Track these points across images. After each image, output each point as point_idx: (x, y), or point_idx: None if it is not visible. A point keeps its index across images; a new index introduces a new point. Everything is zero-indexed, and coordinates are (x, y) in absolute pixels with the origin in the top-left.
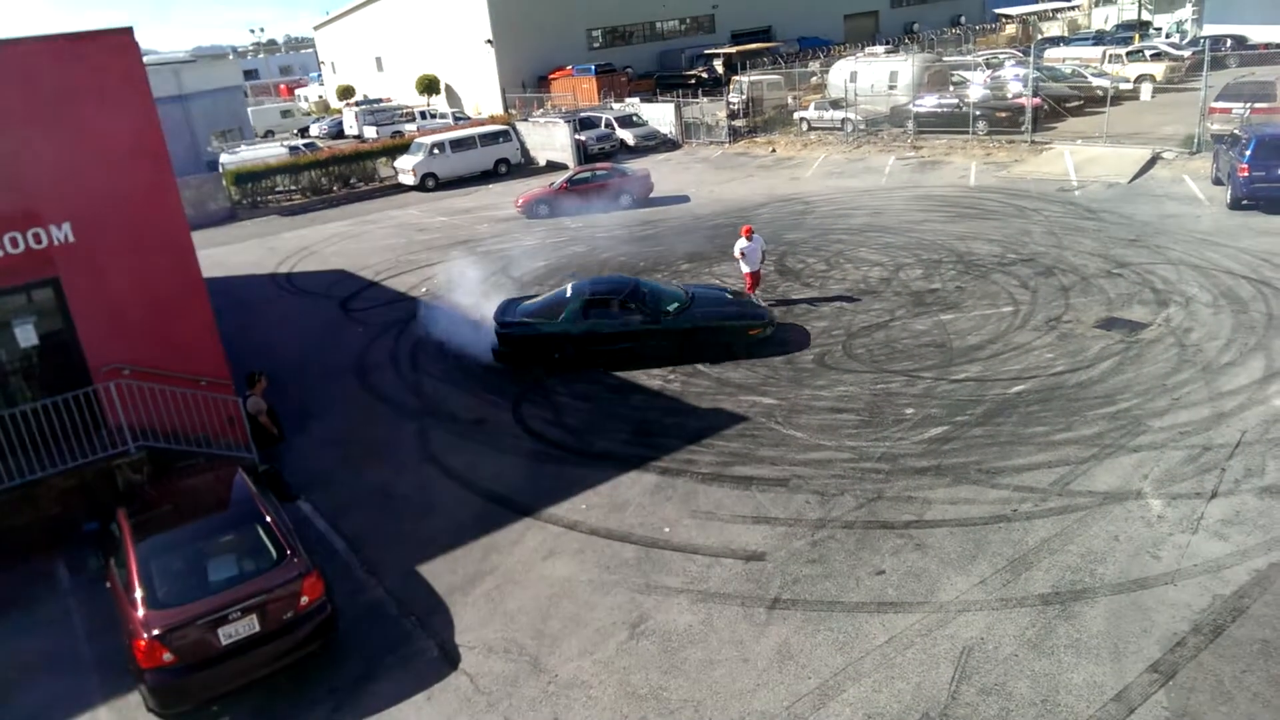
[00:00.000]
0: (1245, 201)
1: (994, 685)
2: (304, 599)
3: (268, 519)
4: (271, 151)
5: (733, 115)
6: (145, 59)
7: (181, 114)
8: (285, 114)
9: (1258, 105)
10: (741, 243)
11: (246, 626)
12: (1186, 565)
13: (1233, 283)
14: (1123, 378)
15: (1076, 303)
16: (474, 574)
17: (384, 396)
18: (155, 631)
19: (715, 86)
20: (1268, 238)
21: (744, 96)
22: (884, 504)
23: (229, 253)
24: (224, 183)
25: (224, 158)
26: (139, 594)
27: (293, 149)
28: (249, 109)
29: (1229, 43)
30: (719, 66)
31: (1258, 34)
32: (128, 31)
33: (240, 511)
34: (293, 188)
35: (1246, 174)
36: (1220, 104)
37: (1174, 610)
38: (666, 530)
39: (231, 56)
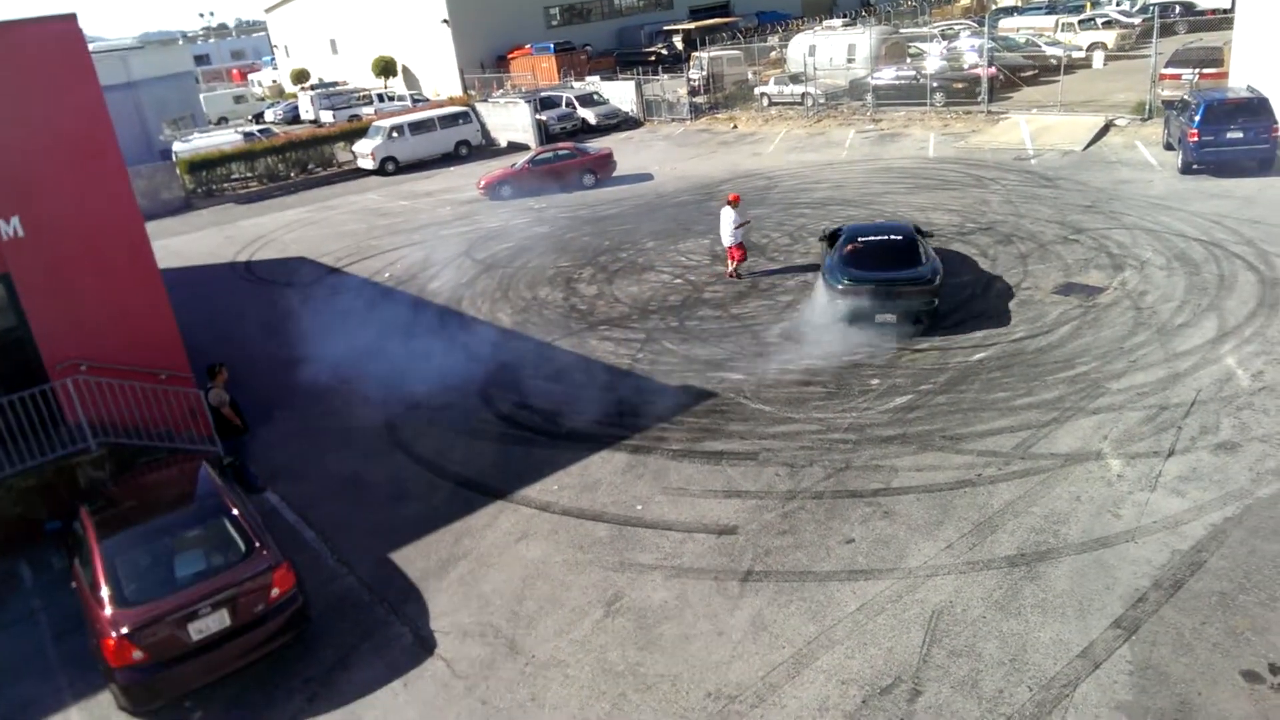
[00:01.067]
0: (1196, 166)
1: (964, 647)
2: (275, 591)
3: (234, 512)
4: (226, 138)
5: (693, 92)
6: (92, 46)
7: (131, 102)
8: (239, 99)
9: (1206, 71)
10: (729, 211)
11: (217, 621)
12: (1146, 522)
13: (1185, 246)
14: (1081, 341)
15: (1035, 269)
16: (447, 559)
17: (349, 384)
18: (124, 630)
19: (675, 63)
20: (1218, 200)
21: (704, 73)
22: (852, 473)
23: (185, 242)
24: (178, 171)
25: (177, 146)
26: (105, 592)
27: (247, 135)
28: (201, 95)
29: (1177, 9)
30: (678, 43)
31: (1204, 1)
32: (71, 18)
33: (206, 505)
34: (249, 175)
35: (1196, 139)
36: (1170, 70)
37: (1135, 567)
38: (639, 508)
39: (181, 42)
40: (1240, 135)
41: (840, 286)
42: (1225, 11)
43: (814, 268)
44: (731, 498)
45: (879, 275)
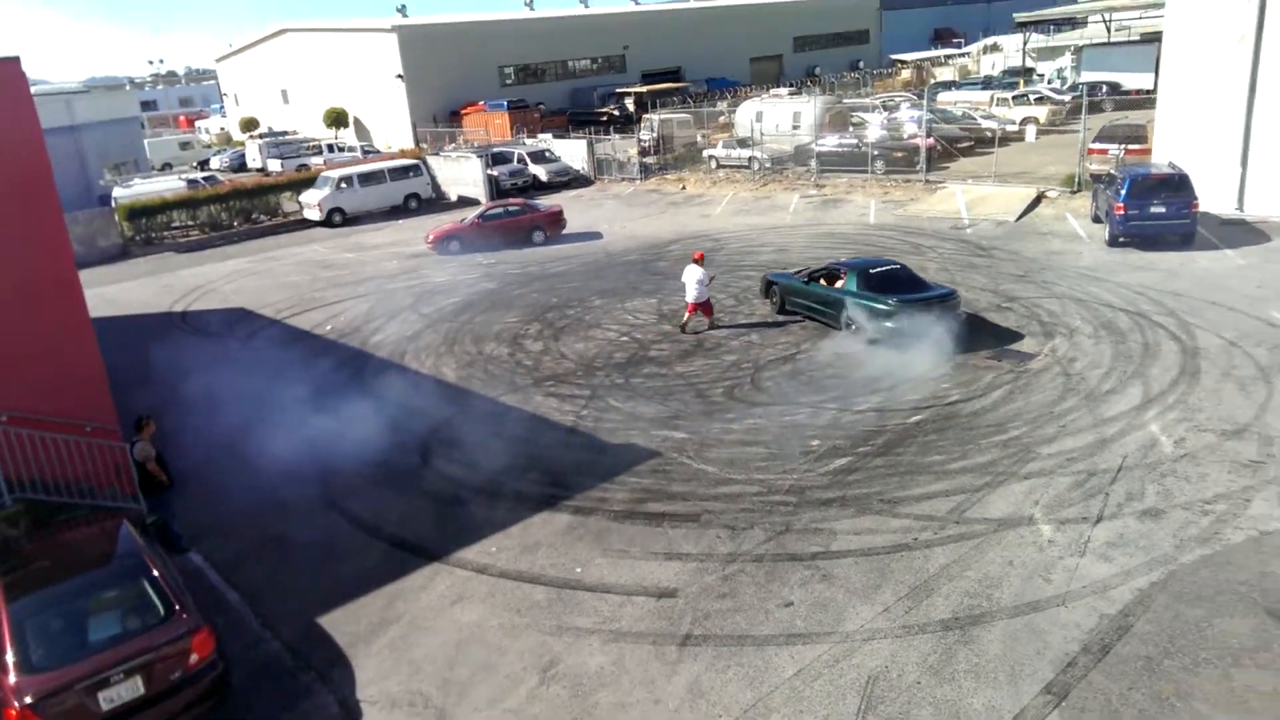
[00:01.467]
0: (1122, 239)
1: (898, 714)
2: (194, 657)
3: (155, 573)
4: (168, 185)
5: (644, 153)
6: (35, 89)
7: (73, 145)
8: (184, 146)
9: (1131, 147)
10: (693, 270)
11: (130, 689)
12: (1076, 587)
13: (1112, 315)
14: (1013, 406)
15: (969, 335)
16: (378, 623)
17: (284, 440)
18: (27, 699)
19: (627, 124)
20: (1143, 272)
21: (655, 134)
22: (792, 536)
23: (121, 291)
24: (116, 218)
25: (117, 191)
26: (10, 658)
27: (191, 182)
28: (146, 141)
29: (1104, 89)
30: (630, 105)
31: (1129, 81)
32: (14, 61)
33: (125, 566)
34: (190, 223)
35: (1123, 212)
36: (1098, 146)
37: (1065, 631)
38: (578, 570)
39: (129, 87)
40: (1163, 210)
41: (887, 306)
42: (1149, 92)
43: (761, 325)
44: (672, 560)
45: (917, 295)
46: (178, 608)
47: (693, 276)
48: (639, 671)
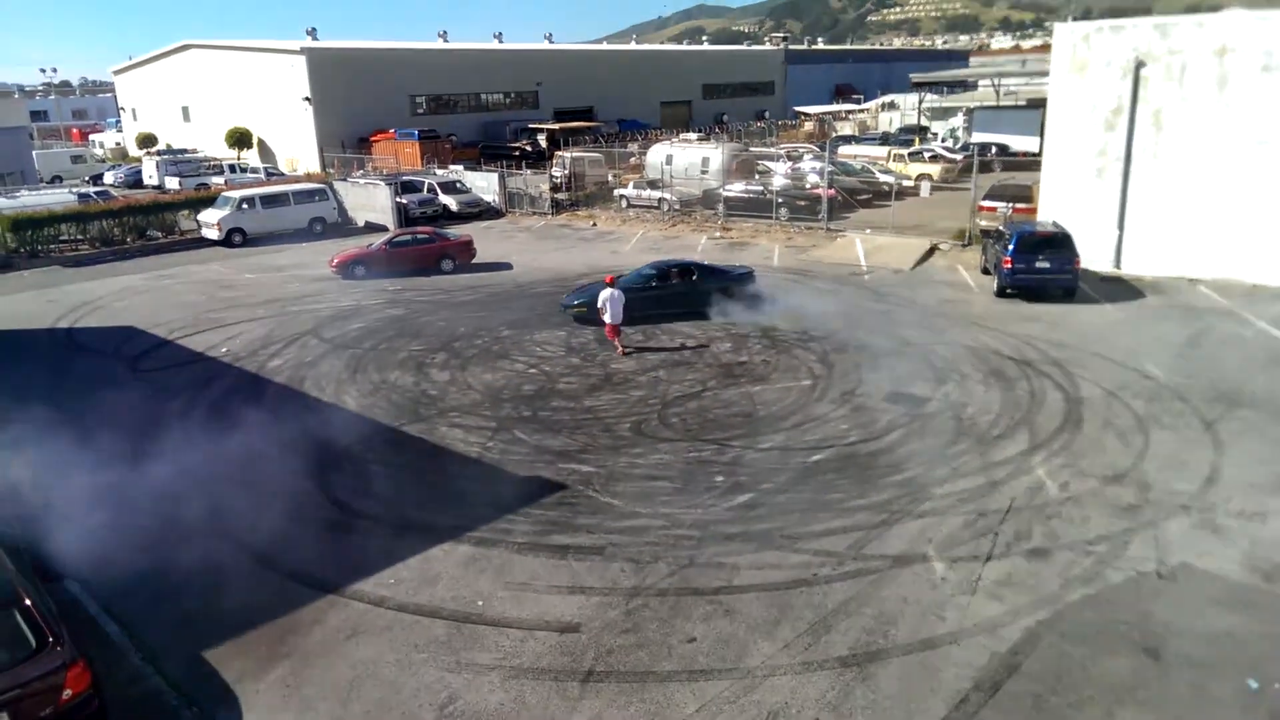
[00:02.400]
0: (1009, 290)
1: None
2: (67, 692)
3: (26, 602)
4: (57, 198)
5: (555, 188)
6: None
7: None
8: (77, 159)
9: (1018, 205)
10: (605, 292)
11: None
12: (968, 625)
13: (1000, 362)
14: (908, 448)
15: (867, 378)
16: (268, 658)
17: (172, 463)
18: None
19: (539, 160)
20: (1029, 323)
21: (566, 171)
22: (695, 570)
23: (1, 304)
24: (0, 229)
25: (1, 202)
26: None
27: (83, 196)
28: (35, 152)
29: (994, 149)
30: (542, 141)
31: (1016, 143)
32: None
33: None
34: (80, 237)
35: (1010, 266)
36: (987, 203)
37: (958, 669)
38: (480, 604)
39: (17, 95)
40: (1048, 265)
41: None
42: (1034, 155)
43: (666, 364)
44: (576, 594)
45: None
46: (51, 639)
47: (607, 298)
48: (540, 709)
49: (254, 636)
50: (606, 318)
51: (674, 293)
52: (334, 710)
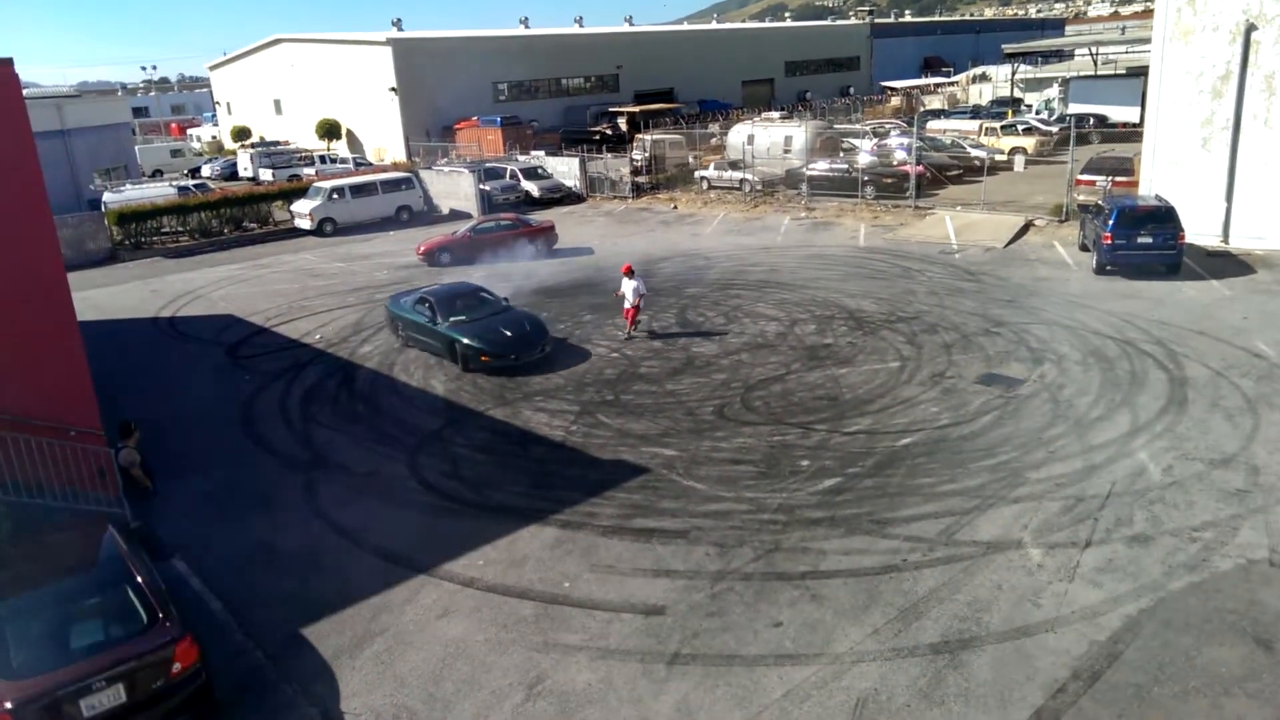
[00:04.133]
0: (1109, 267)
1: None
2: (176, 666)
3: (138, 580)
4: (159, 191)
5: (636, 172)
6: (27, 92)
7: (63, 150)
8: (175, 153)
9: (1118, 179)
10: (624, 281)
11: (112, 697)
12: (1065, 612)
13: (1100, 342)
14: (1002, 431)
15: (958, 359)
16: (362, 635)
17: (270, 448)
18: (8, 705)
19: (619, 143)
20: (1130, 300)
21: (647, 154)
22: (781, 555)
23: (108, 295)
24: (106, 222)
25: (107, 196)
26: None
27: (182, 189)
28: (137, 147)
29: (1091, 121)
30: (623, 124)
31: (1115, 114)
32: (8, 63)
33: (108, 572)
34: (180, 229)
35: (1109, 242)
36: (1085, 176)
37: (1055, 657)
38: (566, 585)
39: (120, 93)
40: (1150, 240)
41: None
42: (1135, 125)
43: (749, 347)
44: (660, 577)
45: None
46: (161, 616)
47: (629, 287)
48: (626, 689)
49: (349, 614)
50: (628, 305)
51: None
52: (426, 687)
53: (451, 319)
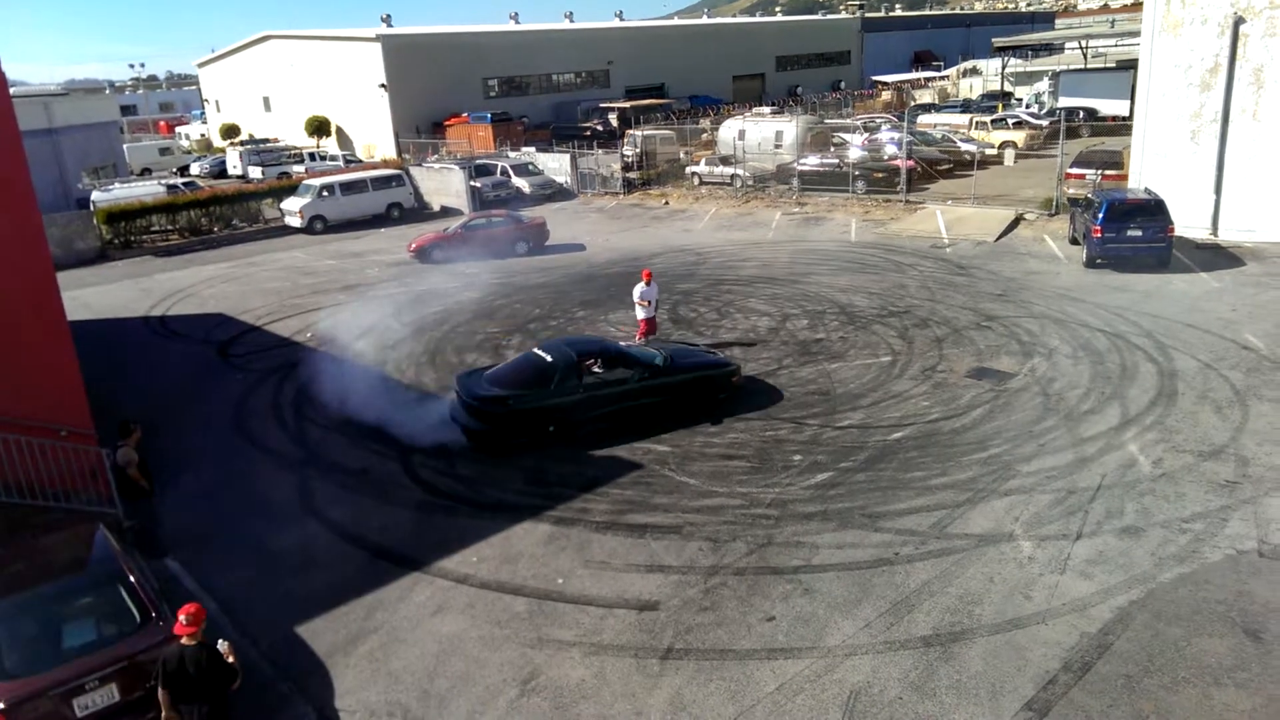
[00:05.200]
0: (1099, 260)
1: None
2: None
3: (131, 579)
4: (148, 189)
5: (627, 167)
6: (13, 90)
7: (51, 149)
8: (164, 151)
9: (1107, 172)
10: (640, 286)
11: (105, 696)
12: (1056, 604)
13: (1090, 336)
14: (993, 425)
15: (949, 353)
16: (356, 633)
17: (263, 446)
18: (0, 705)
19: (610, 139)
20: (1120, 294)
21: (638, 150)
22: (774, 549)
23: (97, 294)
24: (95, 221)
25: (96, 195)
26: None
27: (171, 187)
28: (125, 145)
29: (1081, 114)
30: (614, 120)
31: (1105, 107)
32: None
33: (100, 571)
34: (170, 227)
35: (1099, 235)
36: (1075, 170)
37: (1046, 649)
38: (560, 581)
39: (109, 91)
40: (1140, 234)
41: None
42: (1125, 119)
43: (739, 344)
44: (654, 572)
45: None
46: (154, 615)
47: (639, 292)
48: (621, 684)
49: (343, 612)
50: (640, 313)
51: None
52: (420, 684)
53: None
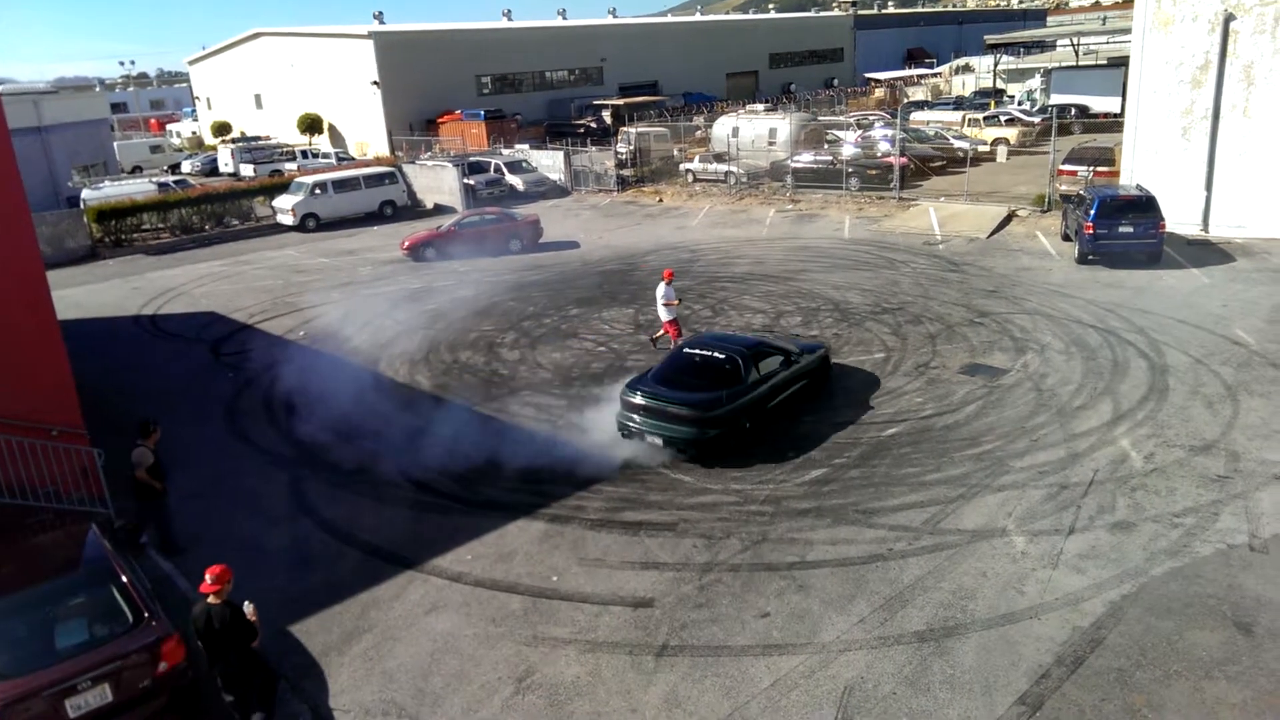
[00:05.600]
0: (1091, 256)
1: None
2: (163, 665)
3: (123, 579)
4: (139, 187)
5: (621, 165)
6: (2, 88)
7: (40, 147)
8: (155, 149)
9: (1099, 169)
10: (662, 286)
11: (98, 696)
12: (1048, 599)
13: (1082, 331)
14: (986, 420)
15: (942, 350)
16: (351, 632)
17: (256, 445)
18: None
19: (604, 136)
20: (1112, 290)
21: (632, 147)
22: (768, 546)
23: (88, 293)
24: (85, 219)
25: (86, 193)
26: None
27: (162, 185)
28: (116, 143)
29: (1073, 111)
30: (607, 117)
31: (1097, 104)
32: None
33: (92, 571)
34: (161, 226)
35: (1091, 231)
36: (1067, 167)
37: (1039, 643)
38: (555, 579)
39: (99, 89)
40: (1131, 230)
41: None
42: (1116, 116)
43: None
44: (649, 569)
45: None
46: (146, 615)
47: (662, 292)
48: (615, 681)
49: (337, 611)
50: (664, 314)
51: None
52: (415, 682)
53: None
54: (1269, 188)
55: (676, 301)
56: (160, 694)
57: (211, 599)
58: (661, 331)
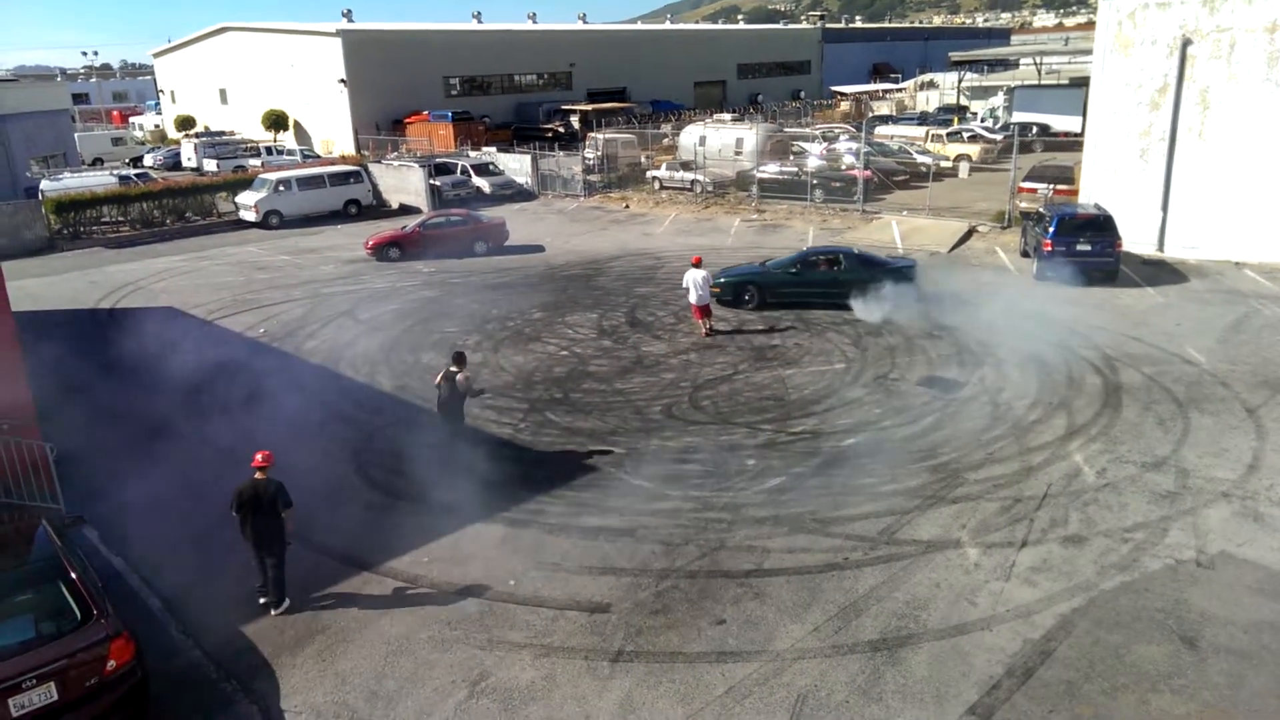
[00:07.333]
0: (1049, 273)
1: None
2: (111, 663)
3: (71, 575)
4: (99, 180)
5: (588, 170)
6: None
7: None
8: (117, 142)
9: (1059, 187)
10: (692, 272)
11: (43, 695)
12: (1000, 611)
13: (1038, 347)
14: (942, 433)
15: (901, 362)
16: (304, 633)
17: (213, 444)
18: None
19: (571, 141)
20: (1068, 306)
21: (599, 153)
22: (726, 553)
23: (44, 285)
24: (43, 211)
25: (45, 184)
26: None
27: (123, 178)
28: (77, 134)
29: (1035, 130)
30: (575, 122)
31: (1058, 123)
32: None
33: (41, 567)
34: (121, 219)
35: (1050, 249)
36: (1027, 184)
37: (990, 654)
38: (512, 583)
39: (60, 79)
40: (1089, 248)
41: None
42: (1077, 135)
43: (697, 347)
44: (607, 574)
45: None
46: (95, 612)
47: (694, 279)
48: (570, 687)
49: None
50: (692, 299)
51: (816, 282)
52: (368, 684)
53: None
54: (1222, 210)
55: (716, 287)
56: (108, 693)
57: (259, 475)
58: (697, 319)
